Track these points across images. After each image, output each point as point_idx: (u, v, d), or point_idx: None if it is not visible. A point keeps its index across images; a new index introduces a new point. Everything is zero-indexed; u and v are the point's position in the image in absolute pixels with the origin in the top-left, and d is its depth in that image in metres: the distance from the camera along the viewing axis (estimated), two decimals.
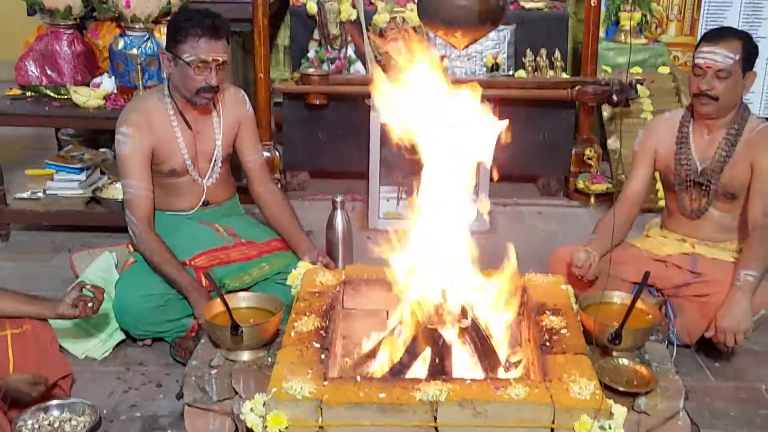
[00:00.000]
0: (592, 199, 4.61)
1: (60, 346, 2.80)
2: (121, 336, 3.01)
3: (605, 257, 3.03)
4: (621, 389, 2.20)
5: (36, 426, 2.47)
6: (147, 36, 3.93)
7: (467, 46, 2.14)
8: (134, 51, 3.87)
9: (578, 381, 2.07)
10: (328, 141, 4.72)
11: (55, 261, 3.76)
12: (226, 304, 2.31)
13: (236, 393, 2.27)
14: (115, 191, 3.97)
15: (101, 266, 3.22)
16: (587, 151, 4.64)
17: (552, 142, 4.69)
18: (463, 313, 2.32)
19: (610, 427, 1.97)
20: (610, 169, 4.81)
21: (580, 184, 4.64)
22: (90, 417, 2.51)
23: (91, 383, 2.78)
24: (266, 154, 4.49)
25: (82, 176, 3.98)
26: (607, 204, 4.56)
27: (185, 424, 2.30)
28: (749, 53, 2.94)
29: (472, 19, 2.01)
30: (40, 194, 4.00)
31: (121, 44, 3.91)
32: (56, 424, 2.48)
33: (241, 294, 2.55)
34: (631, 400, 2.23)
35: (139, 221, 3.01)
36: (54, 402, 2.54)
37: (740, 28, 3.76)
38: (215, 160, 3.17)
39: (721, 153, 3.02)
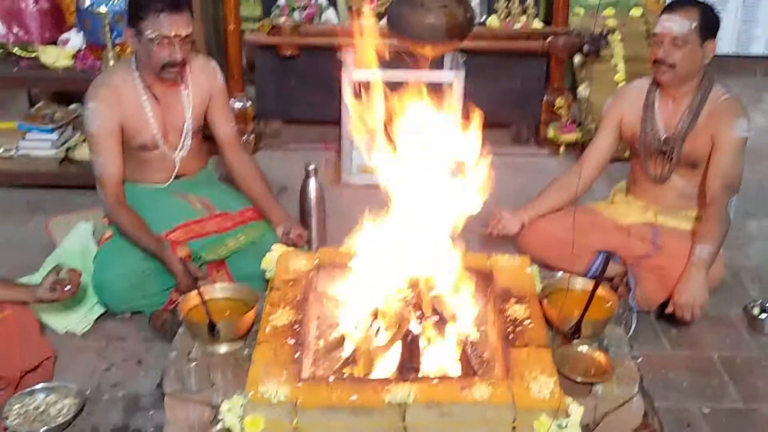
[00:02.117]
0: (562, 149, 4.69)
1: (41, 322, 2.89)
2: (101, 310, 3.08)
3: (564, 218, 3.19)
4: (579, 380, 2.33)
5: (23, 411, 2.57)
6: None
7: (436, 57, 2.17)
8: (102, 9, 3.82)
9: (539, 379, 2.19)
10: (301, 90, 4.73)
11: (32, 223, 3.79)
12: (203, 301, 2.39)
13: (214, 384, 2.37)
14: (88, 150, 3.98)
15: (78, 237, 3.28)
16: (558, 101, 4.69)
17: (523, 90, 4.74)
18: (432, 307, 2.43)
19: (566, 425, 2.10)
20: (580, 115, 4.87)
21: (551, 133, 4.71)
22: (75, 399, 2.62)
23: (73, 361, 2.87)
24: (239, 104, 4.53)
25: (54, 135, 3.99)
26: (576, 153, 4.64)
27: (166, 413, 2.40)
28: (707, 22, 2.98)
29: (439, 36, 2.04)
30: (13, 152, 4.01)
31: (87, 1, 3.85)
32: (42, 408, 2.58)
33: (218, 285, 2.63)
34: (589, 387, 2.36)
35: (108, 198, 3.06)
36: (39, 386, 2.63)
37: None
38: (186, 133, 3.19)
39: (684, 123, 3.10)
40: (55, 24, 4.04)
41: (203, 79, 3.19)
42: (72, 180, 3.95)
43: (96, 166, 3.07)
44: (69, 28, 4.03)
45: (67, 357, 2.88)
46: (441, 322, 2.44)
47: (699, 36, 2.96)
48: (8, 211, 3.91)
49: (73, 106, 4.20)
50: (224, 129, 3.29)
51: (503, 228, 3.25)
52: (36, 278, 3.10)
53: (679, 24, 2.94)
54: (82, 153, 3.95)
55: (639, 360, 2.89)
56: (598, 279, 2.50)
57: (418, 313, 2.42)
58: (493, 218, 3.26)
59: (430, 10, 2.01)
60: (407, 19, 2.03)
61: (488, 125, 4.74)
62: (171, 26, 2.88)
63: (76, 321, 3.04)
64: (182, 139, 3.18)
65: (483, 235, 3.29)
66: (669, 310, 2.93)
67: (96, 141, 3.04)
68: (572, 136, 4.65)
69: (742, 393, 2.79)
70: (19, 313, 2.72)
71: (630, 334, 2.99)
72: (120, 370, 2.84)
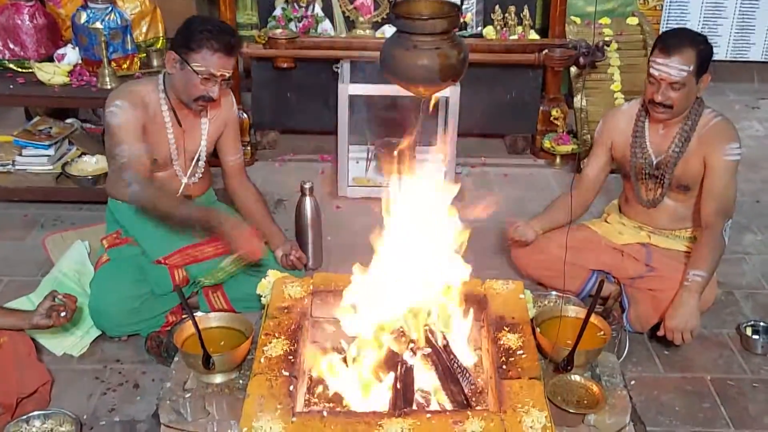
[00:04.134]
0: (558, 159, 4.70)
1: (36, 343, 2.90)
2: (98, 332, 3.09)
3: (558, 237, 3.22)
4: (571, 411, 2.35)
5: None
6: (110, 8, 3.87)
7: (430, 96, 2.17)
8: (98, 25, 3.81)
9: (531, 412, 2.20)
10: (297, 101, 4.73)
11: (29, 239, 3.81)
12: (199, 333, 2.41)
13: (209, 414, 2.39)
14: (84, 165, 4.00)
15: (75, 258, 3.29)
16: (553, 112, 4.69)
17: (519, 101, 4.75)
18: (425, 338, 2.44)
19: None
20: (576, 125, 4.87)
21: (547, 144, 4.71)
22: (71, 426, 2.64)
23: (70, 384, 2.89)
24: None
25: (51, 151, 3.99)
26: (572, 164, 4.65)
27: None
28: (703, 60, 2.95)
29: (433, 77, 2.03)
30: (10, 166, 4.01)
31: (83, 18, 3.84)
32: None
33: (213, 315, 2.64)
34: (582, 417, 2.39)
35: (139, 174, 2.98)
36: (35, 413, 2.65)
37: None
38: (198, 159, 3.21)
39: (675, 148, 3.10)
40: (51, 40, 4.02)
41: (221, 108, 3.21)
42: (68, 195, 3.96)
43: (121, 155, 2.97)
44: (65, 44, 4.02)
45: (64, 380, 2.90)
46: (434, 353, 2.45)
47: (695, 76, 2.95)
48: (5, 227, 3.91)
49: (69, 121, 4.20)
50: (232, 158, 3.34)
51: (522, 233, 3.28)
52: (32, 299, 3.13)
53: (677, 70, 2.91)
54: (78, 168, 3.95)
55: (632, 383, 2.92)
56: (591, 305, 2.50)
57: (411, 344, 2.43)
58: (511, 226, 3.32)
59: (423, 52, 2.00)
60: (400, 60, 2.02)
61: (484, 135, 4.87)
62: (220, 66, 2.91)
63: (74, 344, 3.05)
64: (193, 164, 3.20)
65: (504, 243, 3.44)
66: (661, 333, 2.95)
67: (118, 132, 2.97)
68: (568, 146, 4.65)
69: (733, 417, 2.81)
70: (16, 339, 2.73)
71: (623, 355, 3.02)
72: (116, 394, 2.86)
